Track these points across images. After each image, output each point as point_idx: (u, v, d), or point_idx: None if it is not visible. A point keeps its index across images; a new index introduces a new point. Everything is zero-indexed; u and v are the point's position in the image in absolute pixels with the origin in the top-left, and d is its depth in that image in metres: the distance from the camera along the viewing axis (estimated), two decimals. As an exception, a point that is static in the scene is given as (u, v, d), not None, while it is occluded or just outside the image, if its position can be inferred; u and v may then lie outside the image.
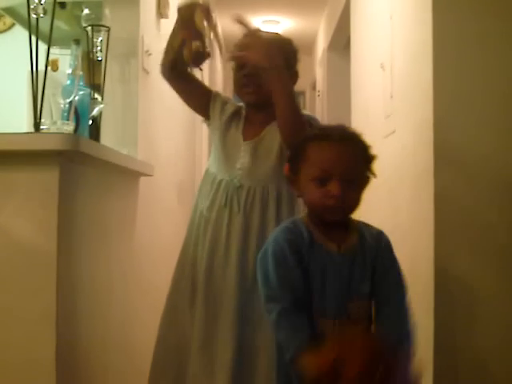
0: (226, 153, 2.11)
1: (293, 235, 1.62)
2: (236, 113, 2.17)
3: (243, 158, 2.07)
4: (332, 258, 1.62)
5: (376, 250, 1.66)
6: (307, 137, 1.69)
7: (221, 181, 2.08)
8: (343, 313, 1.59)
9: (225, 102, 2.18)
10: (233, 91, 2.19)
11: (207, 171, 2.18)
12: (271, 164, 2.04)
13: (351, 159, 1.64)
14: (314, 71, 7.58)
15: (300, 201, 1.91)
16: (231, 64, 2.14)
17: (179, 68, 2.09)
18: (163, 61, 2.14)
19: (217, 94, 2.21)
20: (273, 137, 2.05)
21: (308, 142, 1.66)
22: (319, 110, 6.90)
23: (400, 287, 1.66)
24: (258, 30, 1.95)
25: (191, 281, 2.06)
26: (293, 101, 1.94)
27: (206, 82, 5.29)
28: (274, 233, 1.68)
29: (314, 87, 7.68)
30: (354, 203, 1.64)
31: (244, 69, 2.06)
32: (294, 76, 2.13)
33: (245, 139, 2.11)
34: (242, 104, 2.20)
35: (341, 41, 5.66)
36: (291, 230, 1.63)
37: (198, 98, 2.20)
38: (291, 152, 1.74)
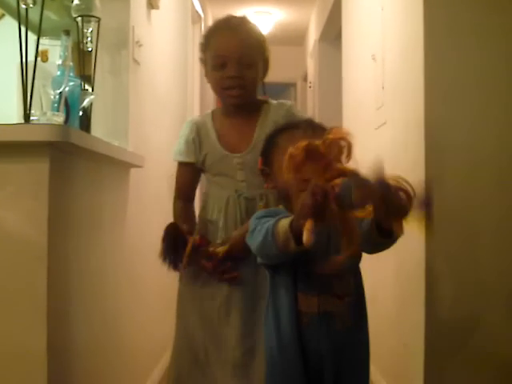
0: (220, 170, 2.03)
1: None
2: (199, 133, 2.07)
3: (241, 170, 2.00)
4: None
5: None
6: (277, 131, 1.75)
7: (228, 198, 2.00)
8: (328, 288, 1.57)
9: (194, 144, 2.07)
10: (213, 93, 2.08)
11: (207, 194, 2.10)
12: None
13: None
14: (306, 62, 7.58)
15: None
16: (204, 61, 2.06)
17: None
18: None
19: (192, 161, 2.09)
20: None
21: (278, 134, 1.72)
22: (310, 101, 6.90)
23: None
24: None
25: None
26: None
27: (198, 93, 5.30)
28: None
29: (305, 78, 7.68)
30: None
31: (225, 69, 1.95)
32: (267, 68, 2.07)
33: (231, 150, 2.01)
34: (196, 119, 2.14)
35: (332, 32, 5.66)
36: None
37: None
38: (263, 146, 1.77)
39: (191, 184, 2.14)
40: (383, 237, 1.45)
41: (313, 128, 1.69)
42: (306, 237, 1.32)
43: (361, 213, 1.38)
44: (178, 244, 1.95)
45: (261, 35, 2.06)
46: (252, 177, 1.97)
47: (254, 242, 1.57)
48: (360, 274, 1.66)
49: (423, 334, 2.15)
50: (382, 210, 1.35)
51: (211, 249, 1.94)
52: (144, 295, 2.94)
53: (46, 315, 1.72)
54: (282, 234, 1.45)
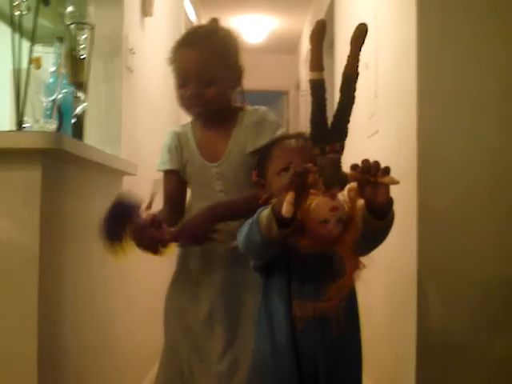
0: (199, 180, 2.00)
1: None
2: (180, 142, 2.04)
3: (219, 180, 1.96)
4: None
5: None
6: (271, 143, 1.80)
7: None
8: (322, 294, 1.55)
9: (177, 152, 2.04)
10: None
11: (190, 207, 2.07)
12: (246, 175, 1.91)
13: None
14: (299, 70, 7.59)
15: None
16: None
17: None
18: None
19: (176, 168, 2.05)
20: (239, 150, 1.94)
21: (272, 146, 1.77)
22: (303, 109, 6.91)
23: None
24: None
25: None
26: (238, 211, 1.83)
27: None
28: None
29: (298, 87, 7.69)
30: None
31: (186, 88, 1.92)
32: (238, 78, 2.00)
33: (210, 159, 1.98)
34: (177, 128, 2.10)
35: (325, 40, 5.66)
36: None
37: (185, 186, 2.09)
38: (258, 158, 1.80)
39: (178, 192, 2.06)
40: (378, 218, 1.45)
41: (305, 139, 1.71)
42: (285, 208, 1.34)
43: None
44: (123, 216, 1.83)
45: (229, 43, 1.99)
46: (230, 186, 1.95)
47: (240, 238, 1.58)
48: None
49: (415, 344, 2.15)
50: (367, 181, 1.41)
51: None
52: (137, 301, 2.93)
53: (37, 321, 1.71)
54: (264, 218, 1.45)
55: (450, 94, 2.21)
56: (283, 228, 1.42)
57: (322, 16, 5.28)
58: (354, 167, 1.42)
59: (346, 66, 1.59)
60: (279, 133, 1.91)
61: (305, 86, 6.79)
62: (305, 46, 6.90)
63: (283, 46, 7.85)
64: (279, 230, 1.42)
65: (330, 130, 1.55)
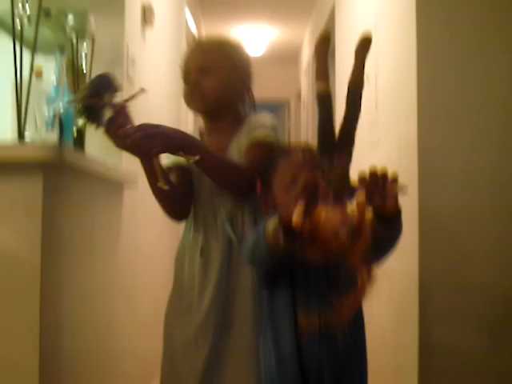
0: (200, 182, 1.97)
1: None
2: None
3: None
4: None
5: None
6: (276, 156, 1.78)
7: (206, 215, 1.94)
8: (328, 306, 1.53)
9: None
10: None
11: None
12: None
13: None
14: (300, 81, 7.61)
15: None
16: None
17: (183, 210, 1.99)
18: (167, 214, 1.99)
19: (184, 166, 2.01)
20: (238, 155, 1.91)
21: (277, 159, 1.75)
22: (304, 119, 6.92)
23: None
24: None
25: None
26: (217, 165, 1.83)
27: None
28: None
29: (299, 97, 7.70)
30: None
31: (188, 84, 1.95)
32: (241, 80, 1.99)
33: None
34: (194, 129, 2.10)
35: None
36: None
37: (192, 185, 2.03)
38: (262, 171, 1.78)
39: (186, 187, 1.98)
40: (387, 227, 1.45)
41: (312, 151, 1.71)
42: (295, 217, 1.35)
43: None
44: (104, 88, 1.78)
45: (235, 49, 2.01)
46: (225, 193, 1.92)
47: (246, 249, 1.59)
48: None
49: (417, 355, 2.14)
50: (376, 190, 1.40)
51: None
52: (138, 313, 2.93)
53: (39, 333, 1.70)
54: (271, 229, 1.45)
55: (450, 104, 2.22)
56: (290, 238, 1.41)
57: (322, 26, 5.30)
58: (362, 178, 1.40)
59: (352, 77, 1.59)
60: (270, 129, 1.89)
61: (306, 96, 6.81)
62: (305, 56, 6.91)
63: (284, 57, 7.87)
64: (286, 239, 1.42)
65: (338, 140, 1.55)
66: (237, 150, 1.92)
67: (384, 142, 2.79)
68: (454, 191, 2.20)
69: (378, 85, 2.94)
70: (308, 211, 1.36)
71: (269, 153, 1.81)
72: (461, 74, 2.23)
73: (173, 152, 1.79)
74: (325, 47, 1.66)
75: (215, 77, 1.92)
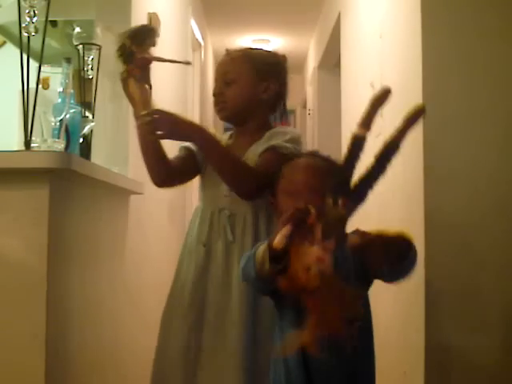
0: (211, 181, 2.00)
1: None
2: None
3: (224, 185, 1.95)
4: None
5: None
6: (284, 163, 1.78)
7: (212, 212, 1.97)
8: None
9: None
10: None
11: (196, 208, 2.08)
12: None
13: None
14: (305, 90, 7.62)
15: None
16: None
17: (167, 173, 2.02)
18: (152, 177, 2.02)
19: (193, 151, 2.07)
20: (252, 161, 1.94)
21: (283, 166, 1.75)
22: (310, 128, 6.93)
23: None
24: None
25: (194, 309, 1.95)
26: (225, 161, 1.87)
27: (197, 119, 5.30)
28: None
29: (304, 106, 7.71)
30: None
31: (213, 90, 2.03)
32: (266, 88, 2.01)
33: None
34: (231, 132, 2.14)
35: (331, 60, 5.69)
36: None
37: (191, 168, 2.07)
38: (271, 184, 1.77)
39: (181, 162, 2.05)
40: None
41: (314, 157, 1.73)
42: (277, 239, 1.35)
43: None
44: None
45: (266, 59, 2.06)
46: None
47: (240, 268, 1.60)
48: (368, 297, 1.66)
49: (423, 362, 2.13)
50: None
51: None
52: (144, 320, 2.93)
53: (45, 342, 1.71)
54: (260, 253, 1.46)
55: (456, 112, 2.22)
56: (275, 264, 1.40)
57: (327, 35, 5.31)
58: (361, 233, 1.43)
59: (394, 138, 1.56)
60: (289, 141, 1.90)
61: (311, 105, 6.82)
62: (311, 66, 6.92)
63: (289, 66, 7.85)
64: (271, 265, 1.41)
65: (353, 188, 1.54)
66: (251, 156, 1.94)
67: (389, 149, 2.79)
68: (461, 197, 2.20)
69: (383, 93, 2.95)
70: (293, 236, 1.36)
71: (281, 161, 1.80)
72: (466, 80, 2.23)
73: (178, 140, 1.91)
74: (380, 102, 1.66)
75: (236, 87, 1.99)
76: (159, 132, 1.83)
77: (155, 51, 1.97)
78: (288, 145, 1.89)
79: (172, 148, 2.01)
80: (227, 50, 2.10)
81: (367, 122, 1.56)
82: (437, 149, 2.21)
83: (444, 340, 2.15)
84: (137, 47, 1.89)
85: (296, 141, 1.94)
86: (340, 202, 1.44)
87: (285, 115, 2.12)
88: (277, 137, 1.93)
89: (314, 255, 1.35)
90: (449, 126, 2.21)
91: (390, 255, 1.44)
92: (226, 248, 1.91)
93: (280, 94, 2.06)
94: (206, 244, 1.94)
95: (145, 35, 1.94)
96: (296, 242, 1.37)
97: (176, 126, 1.85)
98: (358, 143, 1.57)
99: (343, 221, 1.45)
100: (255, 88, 2.00)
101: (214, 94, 2.02)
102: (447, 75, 2.23)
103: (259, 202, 1.90)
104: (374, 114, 1.55)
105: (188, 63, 2.01)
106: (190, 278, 1.95)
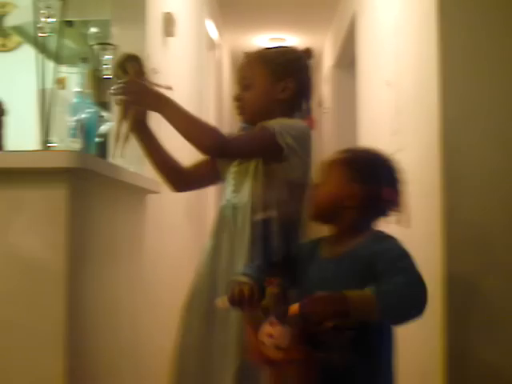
0: (226, 178, 2.06)
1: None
2: None
3: (233, 180, 2.02)
4: (318, 262, 1.68)
5: (372, 256, 1.57)
6: None
7: (220, 206, 2.02)
8: None
9: None
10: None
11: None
12: (251, 179, 1.95)
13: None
14: (321, 88, 7.60)
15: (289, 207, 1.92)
16: None
17: (180, 180, 2.16)
18: (167, 185, 2.20)
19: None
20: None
21: None
22: (326, 126, 6.91)
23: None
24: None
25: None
26: (188, 120, 1.94)
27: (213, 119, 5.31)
28: None
29: (320, 104, 7.70)
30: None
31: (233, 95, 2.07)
32: (284, 88, 2.01)
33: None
34: None
35: (347, 58, 5.68)
36: None
37: (209, 173, 2.16)
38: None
39: (196, 166, 2.17)
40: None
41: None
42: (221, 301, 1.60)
43: None
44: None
45: (285, 60, 2.04)
46: (239, 187, 1.97)
47: None
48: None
49: (442, 363, 2.12)
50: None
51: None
52: (162, 318, 2.94)
53: (64, 340, 1.72)
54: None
55: (473, 109, 2.20)
56: None
57: (342, 34, 5.29)
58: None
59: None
60: (287, 132, 1.88)
61: (327, 103, 6.80)
62: (326, 64, 6.91)
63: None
64: None
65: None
66: None
67: (406, 147, 2.78)
68: (479, 197, 2.18)
69: (400, 90, 2.94)
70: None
71: (264, 140, 1.87)
72: (483, 77, 2.21)
73: (145, 108, 2.02)
74: None
75: (253, 90, 2.01)
76: (128, 99, 1.94)
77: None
78: (282, 131, 1.87)
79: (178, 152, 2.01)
80: (245, 53, 2.11)
81: None
82: (454, 146, 2.19)
83: (463, 339, 2.13)
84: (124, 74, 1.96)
85: (294, 134, 1.90)
86: (272, 281, 1.56)
87: (308, 112, 2.12)
88: (282, 124, 1.92)
89: (264, 331, 1.47)
90: (465, 124, 2.19)
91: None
92: (231, 239, 1.94)
93: (301, 92, 2.06)
94: (213, 237, 1.99)
95: (127, 63, 1.98)
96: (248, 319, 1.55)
97: (142, 95, 1.94)
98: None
99: (277, 297, 1.54)
100: (272, 89, 2.01)
101: (234, 99, 2.06)
102: (463, 72, 2.21)
103: (257, 193, 1.92)
104: None
105: (169, 88, 2.05)
106: (201, 272, 2.00)
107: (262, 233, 1.89)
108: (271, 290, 1.53)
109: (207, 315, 1.95)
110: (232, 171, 2.02)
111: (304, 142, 1.94)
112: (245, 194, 1.94)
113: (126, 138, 1.99)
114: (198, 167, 2.16)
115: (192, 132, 1.91)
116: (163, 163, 2.12)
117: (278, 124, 1.89)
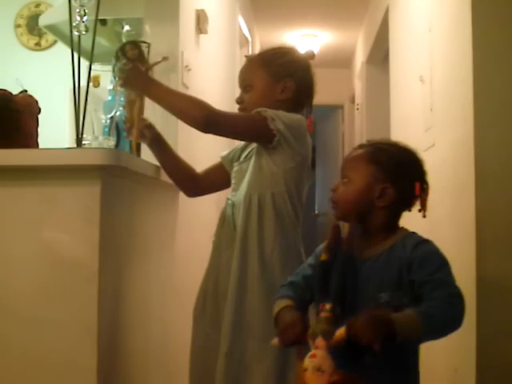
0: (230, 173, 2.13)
1: None
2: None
3: (234, 178, 2.08)
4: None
5: (409, 261, 1.57)
6: None
7: (224, 206, 2.08)
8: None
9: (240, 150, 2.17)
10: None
11: None
12: (252, 175, 1.97)
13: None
14: (353, 84, 7.57)
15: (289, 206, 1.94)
16: None
17: (193, 186, 2.23)
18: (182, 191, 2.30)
19: (225, 159, 2.22)
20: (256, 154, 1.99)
21: None
22: (358, 123, 6.89)
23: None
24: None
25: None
26: (171, 101, 1.99)
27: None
28: None
29: (352, 100, 7.67)
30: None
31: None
32: (283, 89, 2.03)
33: (237, 158, 2.13)
34: None
35: (379, 54, 5.65)
36: None
37: (221, 178, 2.20)
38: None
39: (210, 173, 2.24)
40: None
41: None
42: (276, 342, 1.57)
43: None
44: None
45: (285, 61, 2.06)
46: (239, 184, 2.02)
47: None
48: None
49: (475, 360, 2.10)
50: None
51: None
52: (191, 312, 2.95)
53: (97, 336, 1.73)
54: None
55: (507, 106, 2.18)
56: None
57: (375, 29, 5.26)
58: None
59: None
60: (282, 122, 1.89)
61: (359, 100, 6.77)
62: (359, 60, 6.88)
63: (337, 60, 7.83)
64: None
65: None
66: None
67: (440, 144, 2.76)
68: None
69: (433, 87, 2.92)
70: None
71: (256, 123, 1.91)
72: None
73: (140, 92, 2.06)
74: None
75: (253, 93, 2.05)
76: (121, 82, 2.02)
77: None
78: (275, 117, 1.88)
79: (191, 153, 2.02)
80: (246, 57, 2.18)
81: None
82: (488, 144, 2.17)
83: (495, 337, 2.12)
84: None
85: (292, 125, 1.92)
86: (320, 306, 1.54)
87: (309, 111, 2.11)
88: (277, 112, 1.92)
89: (308, 355, 1.46)
90: (500, 121, 2.17)
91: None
92: (231, 236, 1.99)
93: (300, 92, 2.06)
94: (215, 236, 2.09)
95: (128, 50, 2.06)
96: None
97: (133, 77, 2.00)
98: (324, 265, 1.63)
99: (327, 321, 1.50)
100: (272, 90, 2.03)
101: (236, 101, 2.09)
102: (498, 68, 2.19)
103: (253, 189, 1.95)
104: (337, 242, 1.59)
105: (166, 59, 2.11)
106: (206, 271, 2.10)
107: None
108: (324, 315, 1.50)
109: (212, 315, 2.03)
110: (233, 170, 2.08)
111: (298, 132, 1.94)
112: (242, 193, 1.97)
113: (138, 124, 2.07)
114: (210, 172, 2.22)
115: (180, 105, 1.96)
116: (176, 170, 2.17)
117: (273, 112, 1.90)
